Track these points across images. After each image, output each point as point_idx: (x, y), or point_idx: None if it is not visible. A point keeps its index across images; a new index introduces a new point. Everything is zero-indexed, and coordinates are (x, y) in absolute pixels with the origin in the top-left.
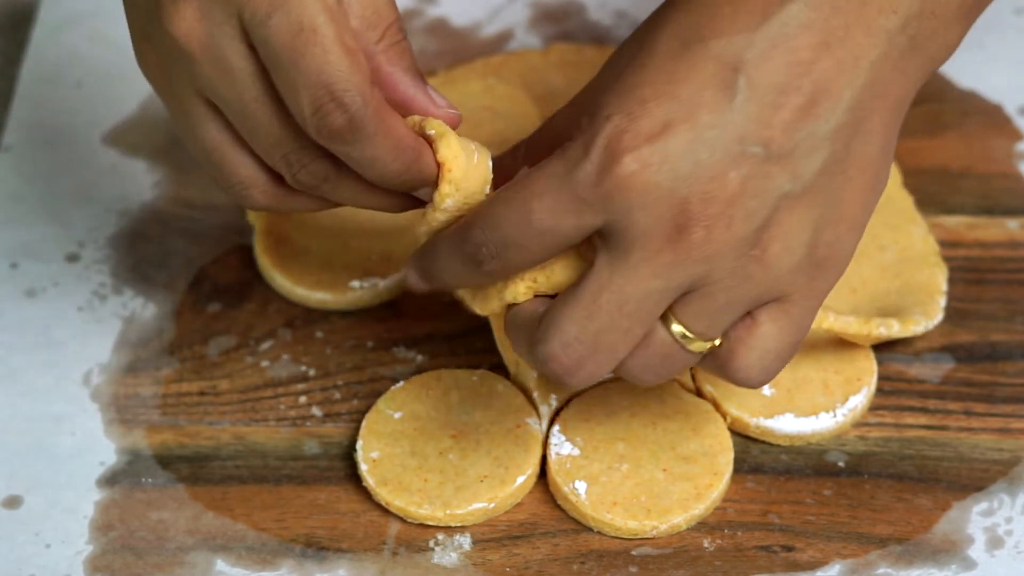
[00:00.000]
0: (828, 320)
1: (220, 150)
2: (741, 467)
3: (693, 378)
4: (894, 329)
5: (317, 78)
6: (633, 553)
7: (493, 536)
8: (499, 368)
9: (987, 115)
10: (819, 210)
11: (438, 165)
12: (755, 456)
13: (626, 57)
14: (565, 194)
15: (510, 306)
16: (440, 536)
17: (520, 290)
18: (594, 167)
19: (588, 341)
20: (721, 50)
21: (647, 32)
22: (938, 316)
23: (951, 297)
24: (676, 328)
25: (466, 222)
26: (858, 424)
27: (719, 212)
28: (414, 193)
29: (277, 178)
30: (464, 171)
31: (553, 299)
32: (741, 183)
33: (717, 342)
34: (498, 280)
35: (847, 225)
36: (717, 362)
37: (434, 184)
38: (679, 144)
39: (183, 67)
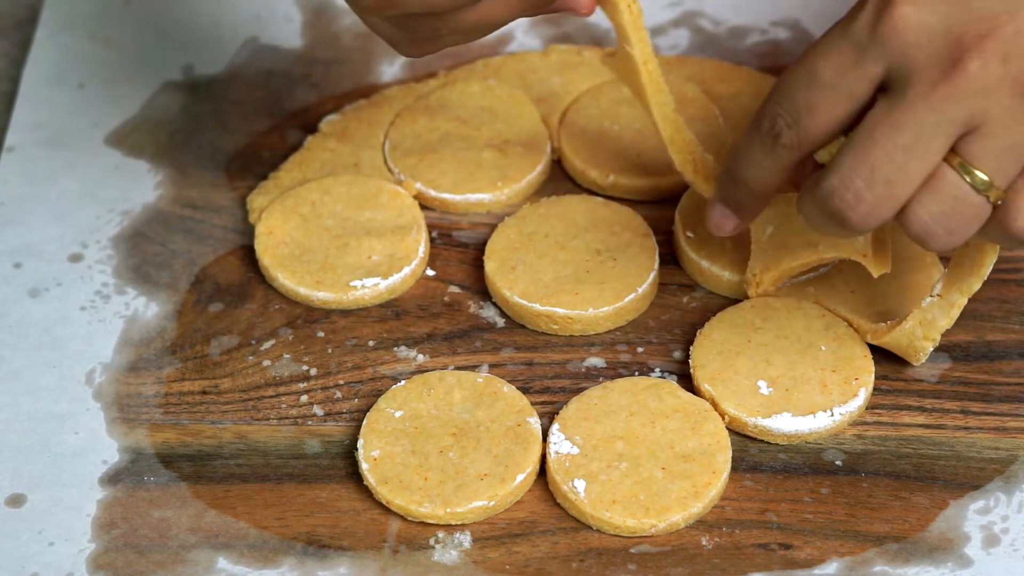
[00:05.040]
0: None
1: None
2: (739, 466)
3: (692, 377)
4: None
5: None
6: (632, 551)
7: (493, 534)
8: (499, 367)
9: None
10: None
11: None
12: (753, 455)
13: None
14: (846, 46)
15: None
16: (440, 534)
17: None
18: (870, 15)
19: (865, 174)
20: None
21: None
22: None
23: None
24: (965, 166)
25: (760, 107)
26: (856, 423)
27: (995, 46)
28: None
29: None
30: None
31: None
32: (1016, 26)
33: (998, 198)
34: (796, 154)
35: None
36: (997, 219)
37: None
38: None
39: None
